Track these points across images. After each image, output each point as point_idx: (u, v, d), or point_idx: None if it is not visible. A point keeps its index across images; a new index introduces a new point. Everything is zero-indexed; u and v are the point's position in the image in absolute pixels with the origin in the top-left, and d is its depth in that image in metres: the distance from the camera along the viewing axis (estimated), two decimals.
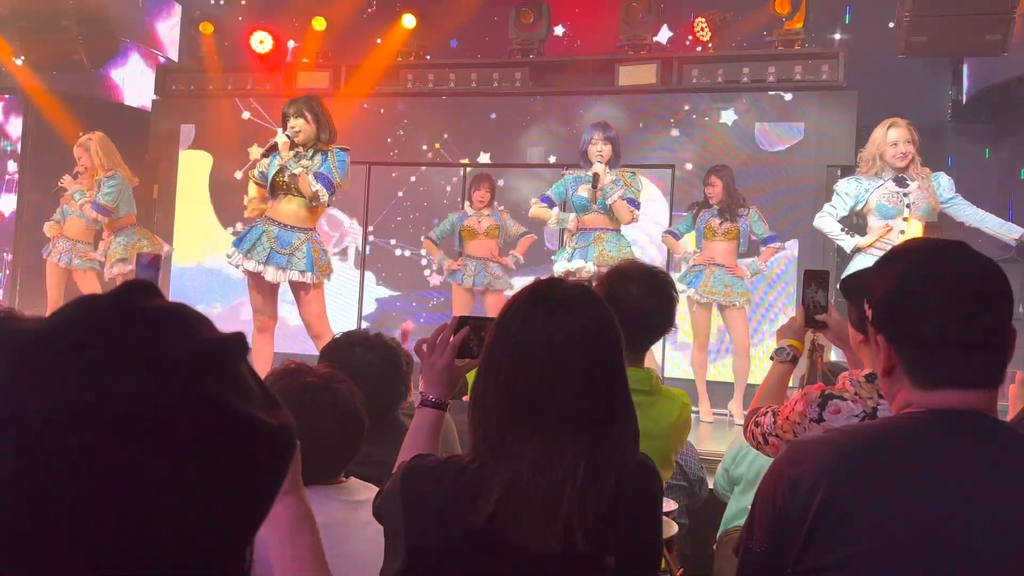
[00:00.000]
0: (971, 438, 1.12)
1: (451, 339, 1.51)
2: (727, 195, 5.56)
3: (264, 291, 4.87)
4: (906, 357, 1.15)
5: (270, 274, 4.72)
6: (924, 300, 1.13)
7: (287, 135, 4.65)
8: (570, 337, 1.23)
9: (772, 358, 2.14)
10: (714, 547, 3.26)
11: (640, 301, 1.98)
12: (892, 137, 4.62)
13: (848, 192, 4.78)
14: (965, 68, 7.08)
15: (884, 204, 4.71)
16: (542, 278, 1.40)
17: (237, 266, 4.84)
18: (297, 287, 4.85)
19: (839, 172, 6.49)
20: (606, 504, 1.22)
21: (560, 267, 5.19)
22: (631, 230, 5.61)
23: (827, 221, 4.84)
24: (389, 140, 7.42)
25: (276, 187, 4.74)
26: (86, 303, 0.57)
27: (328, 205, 4.84)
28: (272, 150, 4.69)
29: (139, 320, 0.56)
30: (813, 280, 2.09)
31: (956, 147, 7.32)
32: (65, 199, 6.28)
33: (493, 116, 7.19)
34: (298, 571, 1.18)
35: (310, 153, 4.69)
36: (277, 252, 4.72)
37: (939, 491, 1.08)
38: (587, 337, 1.24)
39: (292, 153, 4.65)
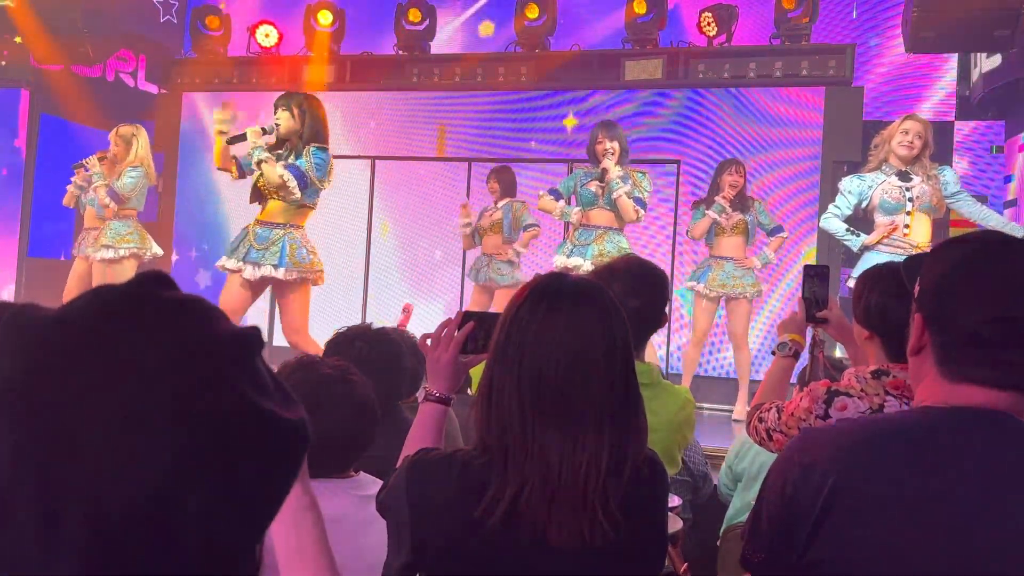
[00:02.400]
0: (990, 438, 1.08)
1: (455, 334, 1.51)
2: (743, 189, 5.63)
3: (237, 291, 4.75)
4: (937, 343, 1.12)
5: (248, 271, 4.64)
6: (970, 291, 1.10)
7: (263, 127, 4.62)
8: (597, 328, 1.24)
9: (774, 353, 2.14)
10: (718, 543, 3.26)
11: (628, 297, 1.98)
12: (904, 126, 4.69)
13: (851, 190, 4.79)
14: (973, 64, 7.05)
15: (887, 200, 4.71)
16: (542, 273, 1.41)
17: (222, 268, 4.83)
18: (280, 290, 4.75)
19: (846, 168, 6.48)
20: (622, 495, 1.23)
21: (559, 261, 5.21)
22: (638, 229, 5.61)
23: (832, 222, 4.86)
24: (394, 134, 7.43)
25: (259, 191, 4.71)
26: (102, 293, 0.57)
27: (311, 205, 4.75)
28: (240, 139, 4.63)
29: (155, 310, 0.56)
30: (814, 275, 2.09)
31: (962, 143, 7.30)
32: (83, 178, 6.24)
33: (497, 111, 7.18)
34: (302, 560, 1.19)
35: (287, 151, 4.63)
36: (254, 248, 4.66)
37: (954, 490, 1.05)
38: (606, 328, 1.26)
39: (262, 142, 4.57)
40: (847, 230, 4.80)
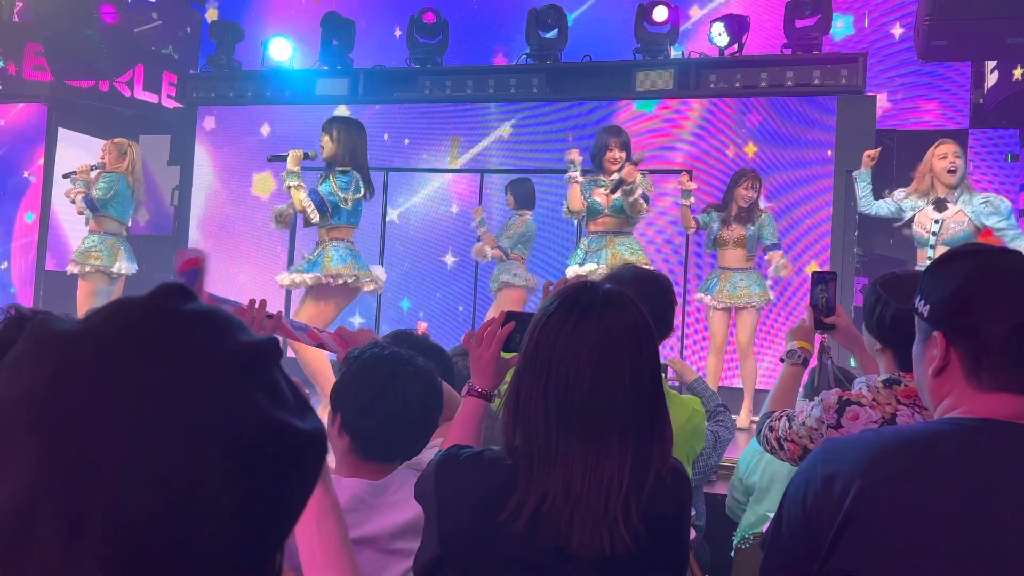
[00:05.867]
0: (1019, 450, 1.06)
1: (498, 333, 1.58)
2: (755, 203, 5.62)
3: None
4: (967, 356, 1.11)
5: (283, 279, 5.08)
6: (995, 298, 1.10)
7: (306, 151, 4.92)
8: (624, 342, 1.26)
9: (782, 360, 2.13)
10: (732, 553, 3.24)
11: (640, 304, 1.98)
12: (941, 151, 4.76)
13: (898, 199, 4.94)
14: (987, 72, 7.02)
15: (917, 232, 4.84)
16: (569, 280, 1.42)
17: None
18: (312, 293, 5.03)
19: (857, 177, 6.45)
20: (645, 505, 1.24)
21: (572, 271, 5.21)
22: (650, 236, 5.61)
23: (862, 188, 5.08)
24: (406, 146, 7.47)
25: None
26: (121, 306, 0.58)
27: (346, 225, 5.00)
28: (281, 159, 4.93)
29: (173, 324, 0.57)
30: (821, 282, 2.08)
31: (977, 152, 7.26)
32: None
33: (508, 122, 7.21)
34: (324, 560, 1.20)
35: (328, 174, 4.96)
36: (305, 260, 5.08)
37: (980, 501, 1.04)
38: (634, 340, 1.27)
39: (298, 168, 4.89)
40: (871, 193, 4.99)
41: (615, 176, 5.13)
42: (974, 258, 1.15)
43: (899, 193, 5.00)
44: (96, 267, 6.10)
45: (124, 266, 6.25)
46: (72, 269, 6.15)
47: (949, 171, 4.73)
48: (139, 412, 0.52)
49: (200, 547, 0.53)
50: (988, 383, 1.09)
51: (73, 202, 6.25)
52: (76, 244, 6.54)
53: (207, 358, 0.56)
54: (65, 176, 6.36)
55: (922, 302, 1.18)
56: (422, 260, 7.40)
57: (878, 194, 5.17)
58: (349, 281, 4.96)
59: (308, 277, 4.90)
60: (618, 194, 5.12)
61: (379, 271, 5.24)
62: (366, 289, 5.07)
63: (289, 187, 4.85)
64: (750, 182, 5.60)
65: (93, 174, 6.19)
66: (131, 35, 7.72)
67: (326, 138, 4.93)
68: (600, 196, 5.24)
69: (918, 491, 1.05)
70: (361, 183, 4.94)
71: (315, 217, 4.85)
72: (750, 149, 6.50)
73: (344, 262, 4.95)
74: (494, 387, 1.58)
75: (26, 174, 8.42)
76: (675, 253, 6.60)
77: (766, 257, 5.66)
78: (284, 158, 4.90)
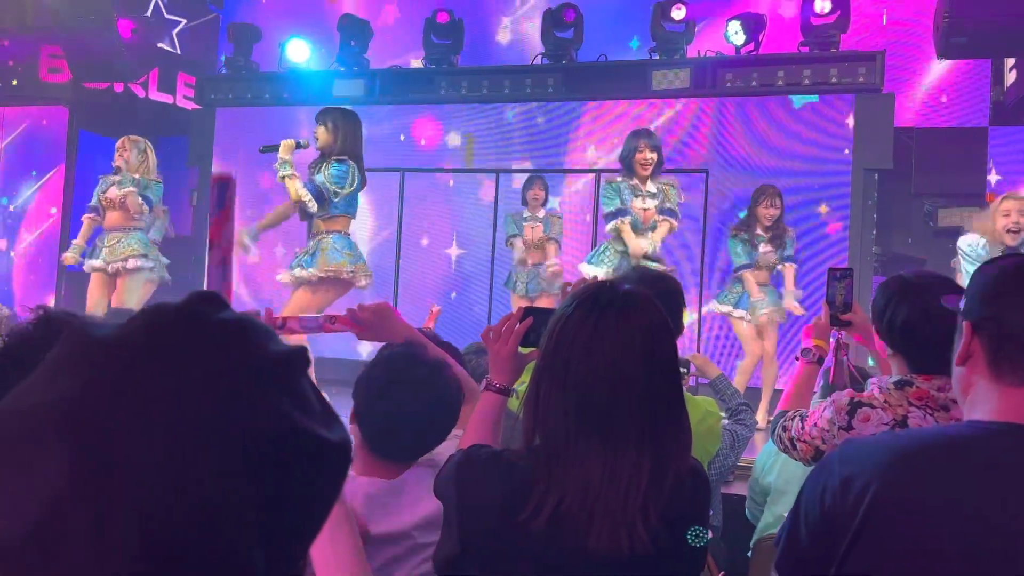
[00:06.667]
0: None
1: (516, 328, 1.57)
2: (780, 219, 5.54)
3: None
4: (989, 346, 1.11)
5: (284, 276, 5.19)
6: (1021, 290, 1.11)
7: (298, 140, 4.96)
8: (639, 342, 1.25)
9: (798, 359, 2.13)
10: (748, 554, 3.23)
11: None
12: (1005, 207, 4.33)
13: (974, 246, 4.46)
14: (1006, 69, 6.95)
15: None
16: (589, 280, 1.42)
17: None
18: (311, 288, 5.04)
19: (876, 176, 6.41)
20: (663, 505, 1.24)
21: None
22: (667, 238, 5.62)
23: None
24: (422, 146, 7.49)
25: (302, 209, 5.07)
26: (155, 313, 0.58)
27: (343, 215, 5.03)
28: (273, 149, 4.96)
29: (204, 331, 0.57)
30: (837, 278, 2.07)
31: (997, 150, 7.18)
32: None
33: (525, 122, 7.21)
34: (338, 570, 1.21)
35: (318, 164, 4.95)
36: (299, 254, 5.15)
37: (997, 509, 1.02)
38: (653, 341, 1.27)
39: (291, 157, 4.90)
40: None
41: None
42: (1014, 259, 1.17)
43: (972, 240, 4.46)
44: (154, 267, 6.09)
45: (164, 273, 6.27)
46: (140, 263, 5.95)
47: (1010, 231, 4.28)
48: (163, 419, 0.53)
49: (224, 552, 0.53)
50: (1009, 374, 1.09)
51: (111, 207, 6.16)
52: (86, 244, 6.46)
53: (235, 366, 0.56)
54: (116, 172, 6.28)
55: (963, 299, 1.19)
56: (437, 260, 7.42)
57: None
58: (346, 275, 4.98)
59: (308, 273, 4.92)
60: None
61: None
62: (359, 284, 5.06)
63: (283, 177, 4.86)
64: (769, 199, 5.48)
65: (139, 171, 6.14)
66: (150, 39, 7.79)
67: (321, 128, 4.95)
68: (639, 212, 5.21)
69: (936, 496, 1.04)
70: (356, 173, 4.97)
71: (313, 207, 4.89)
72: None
73: (341, 256, 4.97)
74: (512, 382, 1.58)
75: (12, 207, 8.52)
76: (689, 260, 6.57)
77: (781, 267, 5.56)
78: (276, 148, 4.93)
